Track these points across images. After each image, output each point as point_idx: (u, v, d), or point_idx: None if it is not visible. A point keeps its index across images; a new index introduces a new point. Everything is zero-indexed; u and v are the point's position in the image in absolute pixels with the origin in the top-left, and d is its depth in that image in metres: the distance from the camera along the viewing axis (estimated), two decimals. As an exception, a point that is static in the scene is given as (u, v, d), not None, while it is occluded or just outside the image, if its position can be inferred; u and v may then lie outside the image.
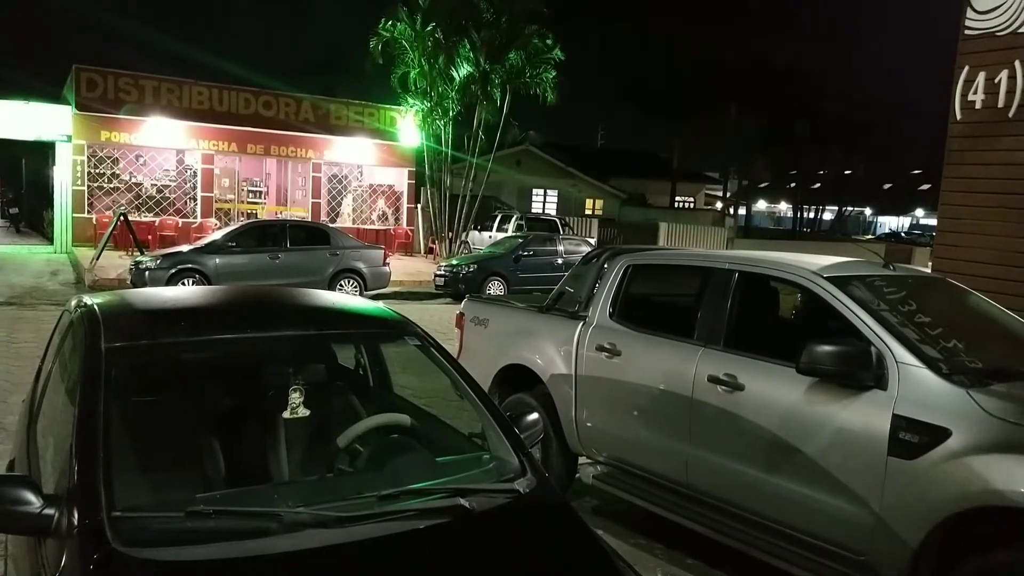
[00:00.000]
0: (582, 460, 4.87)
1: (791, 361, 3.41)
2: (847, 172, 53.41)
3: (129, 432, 2.65)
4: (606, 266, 4.93)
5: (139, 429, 2.75)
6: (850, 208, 61.71)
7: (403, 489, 2.31)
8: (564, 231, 21.71)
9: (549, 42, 21.12)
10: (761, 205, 64.58)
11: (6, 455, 4.21)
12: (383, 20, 20.69)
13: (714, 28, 50.73)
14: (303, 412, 2.85)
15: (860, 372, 3.23)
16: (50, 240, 19.21)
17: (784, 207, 64.39)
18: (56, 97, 19.88)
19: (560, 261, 15.72)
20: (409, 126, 22.33)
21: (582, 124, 67.26)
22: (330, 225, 17.74)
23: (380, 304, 3.67)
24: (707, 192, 50.36)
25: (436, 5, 20.45)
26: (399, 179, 23.86)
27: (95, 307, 3.01)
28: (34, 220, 23.08)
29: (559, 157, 35.09)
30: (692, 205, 45.59)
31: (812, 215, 58.24)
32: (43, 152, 19.32)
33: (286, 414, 2.84)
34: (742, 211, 50.17)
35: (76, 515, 2.01)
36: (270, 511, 2.12)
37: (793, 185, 55.04)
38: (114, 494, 2.09)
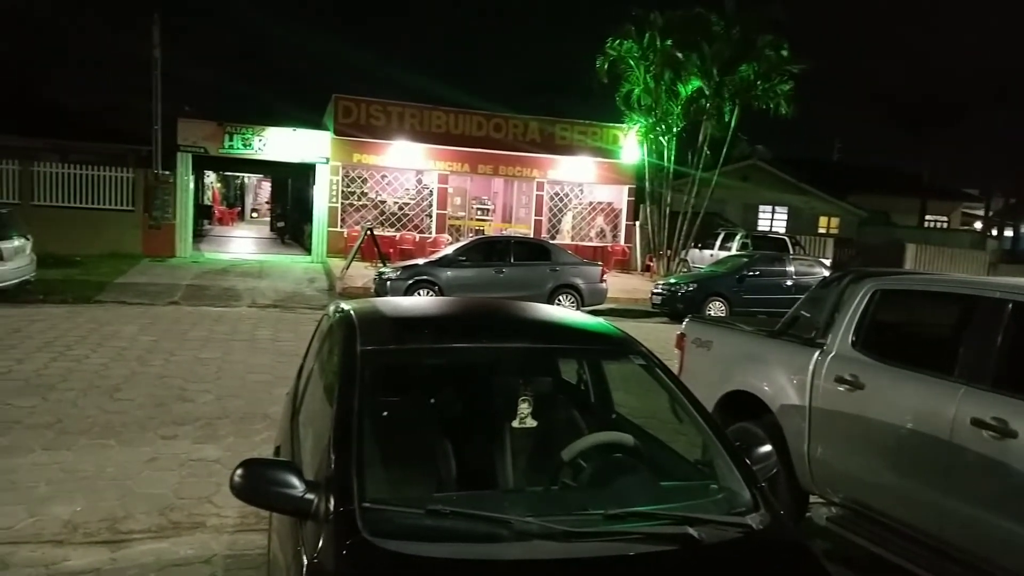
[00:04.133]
0: (813, 499, 4.50)
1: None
2: None
3: (376, 429, 2.88)
4: (849, 290, 4.52)
5: (384, 427, 2.98)
6: None
7: (629, 511, 2.26)
8: (794, 250, 20.40)
9: (784, 53, 20.07)
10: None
11: (271, 440, 4.80)
12: (609, 39, 20.95)
13: (980, 27, 45.09)
14: (530, 423, 2.93)
15: None
16: (308, 251, 21.74)
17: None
18: (317, 124, 22.53)
19: (789, 283, 14.81)
20: (631, 144, 22.36)
21: (815, 137, 62.90)
22: (550, 241, 18.24)
23: (603, 320, 3.67)
24: (964, 211, 44.61)
25: (669, 22, 20.33)
26: (618, 196, 23.95)
27: (352, 313, 3.33)
28: (296, 233, 26.21)
29: (790, 172, 33.03)
30: (946, 225, 40.64)
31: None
32: (305, 173, 21.92)
33: (514, 423, 2.93)
34: (1008, 232, 43.82)
35: (332, 502, 2.21)
36: (502, 518, 2.18)
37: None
38: (364, 486, 2.28)
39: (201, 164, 21.45)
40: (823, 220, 33.78)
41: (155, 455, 5.71)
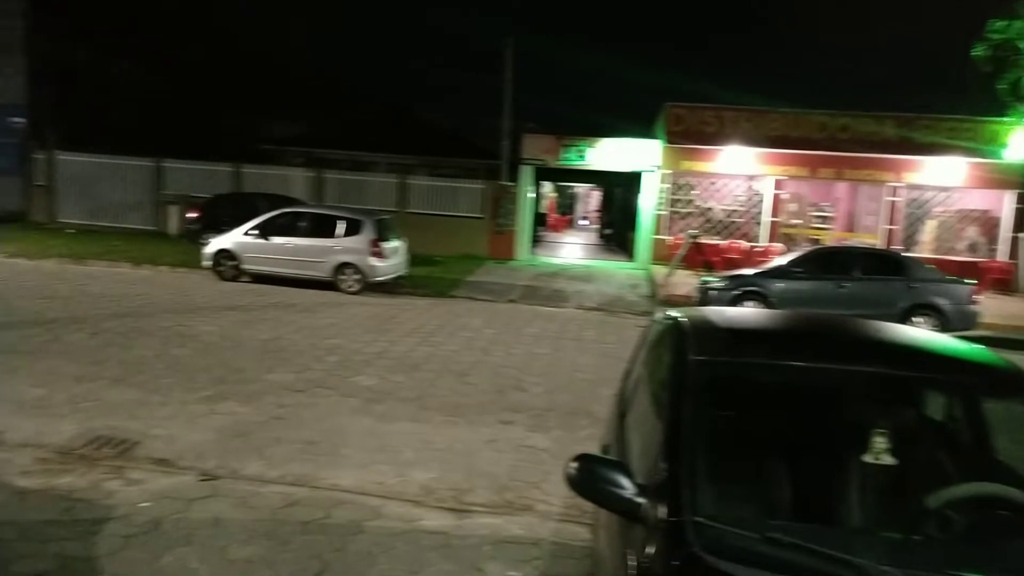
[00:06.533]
0: None
1: None
2: None
3: (707, 442, 2.78)
4: None
5: (716, 441, 2.88)
6: None
7: None
8: None
9: None
10: None
11: (594, 437, 4.95)
12: (992, 21, 17.91)
13: None
14: (886, 459, 2.58)
15: None
16: (632, 257, 22.19)
17: None
18: (647, 134, 22.84)
19: None
20: (1018, 141, 18.84)
21: None
22: (906, 254, 16.15)
23: (985, 348, 3.10)
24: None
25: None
26: (996, 203, 20.32)
27: (682, 321, 3.27)
28: (621, 240, 26.95)
29: None
30: None
31: None
32: (632, 182, 22.39)
33: (866, 457, 2.62)
34: None
35: (663, 510, 2.18)
36: (853, 561, 1.96)
37: None
38: (696, 499, 2.21)
39: (540, 175, 23.14)
40: None
41: (493, 437, 6.28)
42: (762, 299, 12.53)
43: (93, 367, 7.48)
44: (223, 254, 13.96)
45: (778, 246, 19.80)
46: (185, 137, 23.30)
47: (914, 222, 20.65)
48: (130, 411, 6.25)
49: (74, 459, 5.17)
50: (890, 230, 20.38)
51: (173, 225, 19.96)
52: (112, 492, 4.67)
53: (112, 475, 4.94)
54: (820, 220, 21.53)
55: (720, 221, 21.32)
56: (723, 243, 20.53)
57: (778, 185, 20.83)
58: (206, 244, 14.33)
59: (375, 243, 13.55)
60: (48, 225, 20.34)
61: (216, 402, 6.67)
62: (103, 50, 22.27)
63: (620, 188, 27.53)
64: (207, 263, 14.09)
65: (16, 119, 20.97)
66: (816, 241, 20.23)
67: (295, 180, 21.05)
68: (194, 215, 17.60)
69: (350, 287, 13.51)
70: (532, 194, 22.71)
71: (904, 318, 11.90)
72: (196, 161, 20.80)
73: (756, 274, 13.19)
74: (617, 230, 28.85)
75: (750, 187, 21.26)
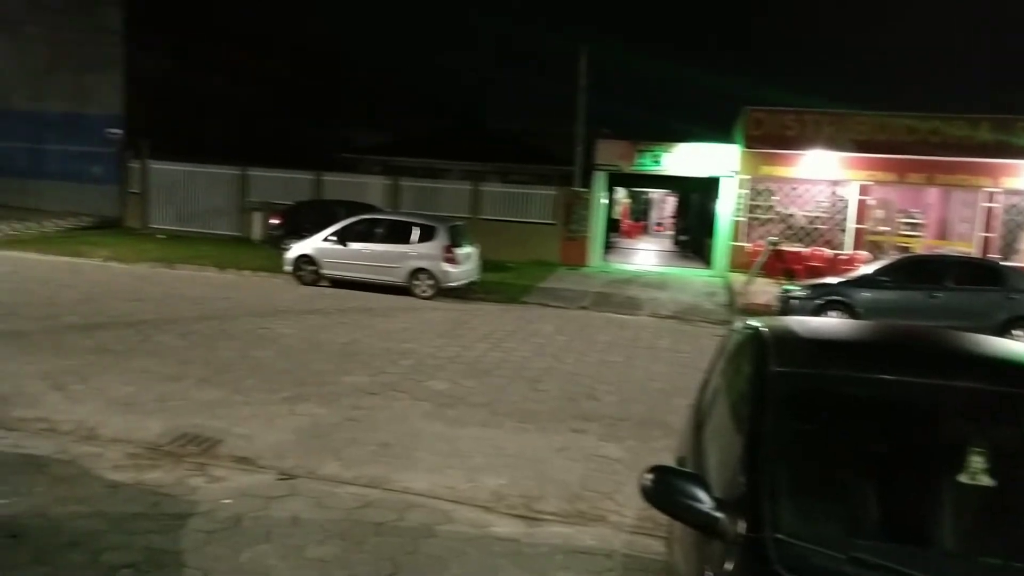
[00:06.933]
0: None
1: None
2: None
3: (789, 456, 2.67)
4: None
5: (797, 455, 2.76)
6: None
7: None
8: None
9: None
10: None
11: (669, 449, 4.84)
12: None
13: None
14: (985, 480, 2.42)
15: None
16: (709, 264, 21.71)
17: None
18: (724, 138, 22.35)
19: None
20: None
21: None
22: (1006, 263, 15.24)
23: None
24: None
25: None
26: (1109, 209, 18.99)
27: (763, 331, 3.16)
28: (697, 246, 26.43)
29: None
30: None
31: None
32: (709, 187, 21.94)
33: (961, 477, 2.46)
34: None
35: (742, 526, 2.10)
36: None
37: None
38: (778, 515, 2.12)
39: (613, 181, 22.95)
40: None
41: (565, 445, 6.23)
42: (847, 309, 12.04)
43: (181, 367, 7.81)
44: (303, 259, 14.39)
45: (864, 254, 19.01)
46: (269, 146, 24.19)
47: (1013, 229, 19.47)
48: (214, 410, 6.49)
49: (161, 455, 5.40)
50: (986, 238, 19.29)
51: (257, 231, 20.71)
52: (196, 488, 4.85)
53: (196, 472, 5.13)
54: (909, 227, 20.58)
55: (802, 228, 20.65)
56: (805, 250, 19.85)
57: (864, 191, 20.03)
58: (287, 249, 14.81)
59: (448, 249, 13.70)
60: (141, 230, 21.43)
61: (295, 403, 6.85)
62: (193, 64, 23.34)
63: (696, 194, 27.05)
64: (288, 268, 14.55)
65: (114, 130, 22.20)
66: (905, 249, 19.35)
67: (372, 187, 21.54)
68: (276, 221, 18.23)
69: (423, 292, 13.70)
70: (605, 200, 22.54)
71: (1002, 331, 11.22)
72: (279, 169, 21.56)
73: (841, 283, 12.69)
74: (693, 236, 28.36)
75: (834, 192, 20.51)
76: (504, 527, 4.63)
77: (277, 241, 16.91)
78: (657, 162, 20.83)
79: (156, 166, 21.90)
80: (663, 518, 3.25)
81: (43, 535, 4.09)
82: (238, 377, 7.59)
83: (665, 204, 42.07)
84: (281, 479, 5.10)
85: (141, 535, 4.17)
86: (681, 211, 33.98)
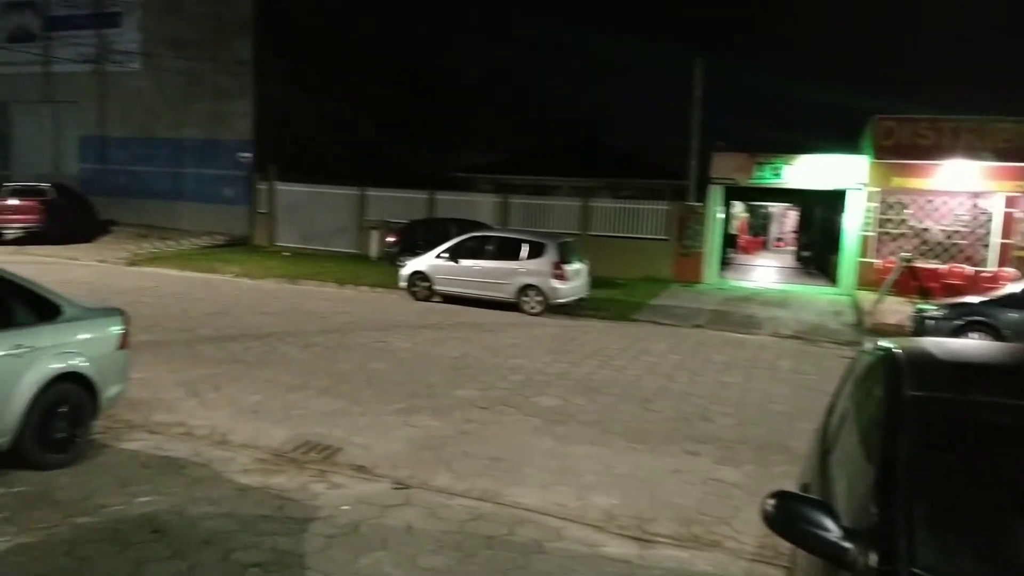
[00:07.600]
0: None
1: None
2: None
3: (924, 487, 2.49)
4: None
5: (934, 485, 2.56)
6: None
7: None
8: None
9: None
10: None
11: (790, 475, 4.59)
12: None
13: None
14: None
15: None
16: (834, 282, 20.61)
17: None
18: (850, 149, 21.23)
19: None
20: None
21: None
22: None
23: None
24: None
25: None
26: None
27: (897, 353, 2.97)
28: (821, 263, 25.15)
29: None
30: None
31: None
32: (833, 200, 20.87)
33: None
34: None
35: (874, 558, 1.97)
36: None
37: None
38: (913, 548, 1.98)
39: (730, 195, 22.29)
40: None
41: (679, 467, 6.05)
42: (991, 331, 11.09)
43: (303, 377, 8.20)
44: (417, 275, 14.81)
45: (1010, 271, 17.50)
46: (386, 167, 25.18)
47: None
48: (334, 420, 6.76)
49: (286, 461, 5.67)
50: None
51: (374, 248, 21.54)
52: (317, 494, 5.05)
53: (317, 478, 5.34)
54: (1063, 242, 18.77)
55: (938, 243, 19.26)
56: (942, 267, 18.49)
57: (1010, 203, 18.47)
58: (402, 266, 15.30)
59: (557, 265, 13.72)
60: (268, 248, 22.80)
61: (409, 414, 7.03)
62: (316, 90, 24.66)
63: (820, 207, 25.84)
64: (403, 284, 15.02)
65: (245, 154, 23.79)
66: (1058, 265, 17.66)
67: (483, 205, 21.95)
68: (392, 239, 18.91)
69: (532, 308, 13.77)
70: (721, 214, 21.90)
71: None
72: (395, 189, 22.38)
73: (983, 302, 11.72)
74: (816, 252, 27.05)
75: (975, 205, 19.04)
76: (616, 547, 4.54)
77: (393, 258, 17.54)
78: (777, 175, 20.05)
79: (282, 187, 23.27)
80: (784, 546, 3.09)
81: (181, 532, 4.37)
82: (356, 388, 7.88)
83: (786, 218, 40.45)
84: (396, 488, 5.23)
85: (268, 536, 4.38)
86: (803, 226, 32.49)
